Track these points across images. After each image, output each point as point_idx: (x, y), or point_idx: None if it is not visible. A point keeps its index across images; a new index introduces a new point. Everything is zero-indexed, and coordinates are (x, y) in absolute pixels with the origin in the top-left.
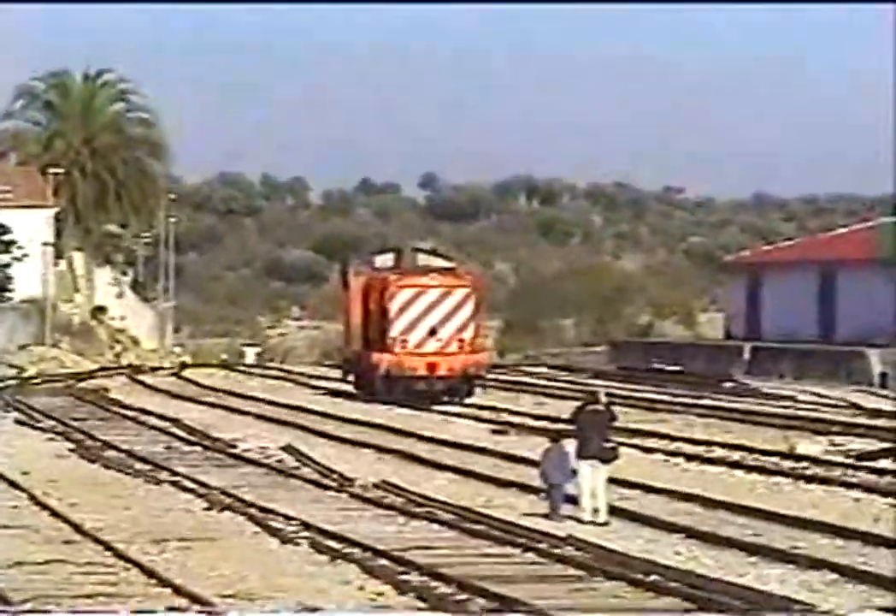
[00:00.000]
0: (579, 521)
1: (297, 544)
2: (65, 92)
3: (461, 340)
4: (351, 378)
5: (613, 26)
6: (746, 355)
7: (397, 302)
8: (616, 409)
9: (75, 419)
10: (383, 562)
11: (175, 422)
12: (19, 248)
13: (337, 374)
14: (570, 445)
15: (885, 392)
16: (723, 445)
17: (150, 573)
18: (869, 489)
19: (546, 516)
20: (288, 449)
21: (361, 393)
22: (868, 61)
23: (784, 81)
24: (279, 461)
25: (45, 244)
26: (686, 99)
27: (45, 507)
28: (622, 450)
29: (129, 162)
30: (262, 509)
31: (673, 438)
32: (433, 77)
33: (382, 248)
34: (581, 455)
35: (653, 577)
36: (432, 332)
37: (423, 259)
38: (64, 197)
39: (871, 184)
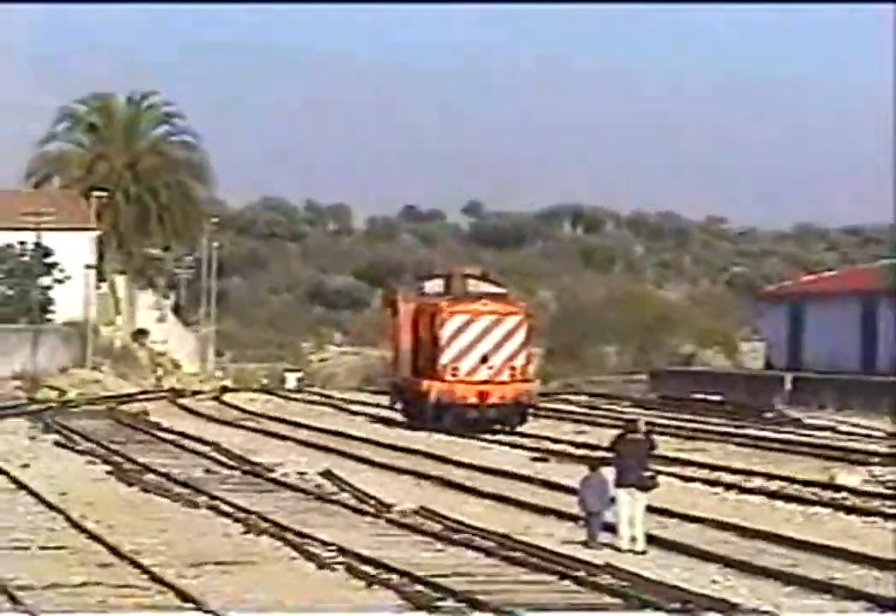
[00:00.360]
0: (617, 549)
1: (334, 569)
2: (108, 114)
3: (513, 368)
4: (399, 405)
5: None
6: (788, 385)
7: (448, 328)
8: (656, 437)
9: (114, 442)
10: (419, 588)
11: (215, 446)
12: (61, 270)
13: (377, 399)
14: (609, 473)
15: None
16: (762, 475)
17: (186, 596)
18: None
19: (584, 544)
20: (326, 474)
21: (410, 421)
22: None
23: (820, 108)
24: (317, 486)
25: (88, 267)
26: (731, 131)
27: (82, 529)
28: (661, 478)
29: (171, 185)
30: (300, 534)
31: (712, 467)
32: (481, 105)
33: (431, 273)
34: (620, 483)
35: (689, 606)
36: (484, 359)
37: (473, 285)
38: (107, 220)
39: None
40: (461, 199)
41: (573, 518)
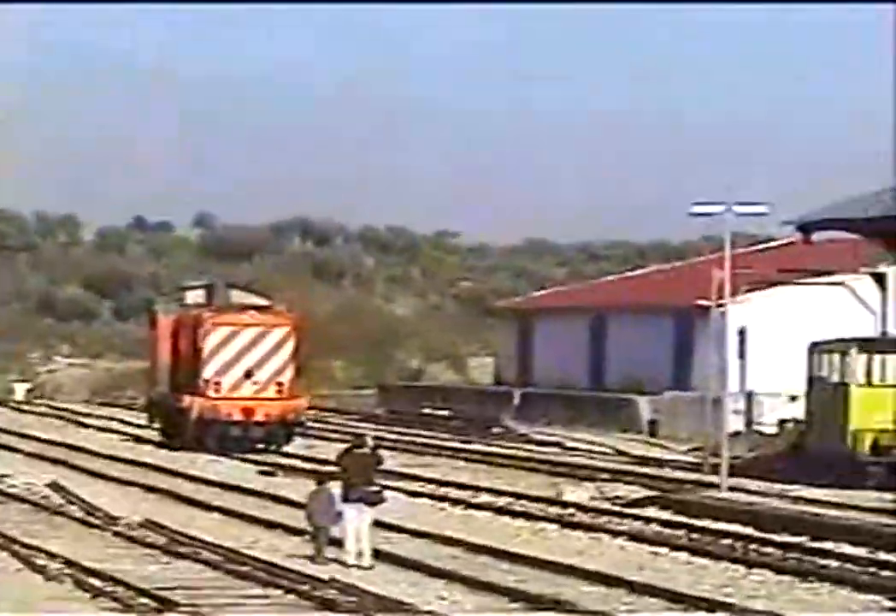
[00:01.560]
0: (344, 564)
1: (62, 581)
2: None
3: (279, 384)
4: (157, 424)
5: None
6: (516, 400)
7: (211, 341)
8: (383, 452)
9: None
10: (145, 600)
11: None
12: None
13: (106, 411)
14: (336, 488)
15: (653, 439)
16: (489, 490)
17: None
18: (635, 537)
19: (311, 558)
20: (54, 486)
21: (169, 440)
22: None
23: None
24: (45, 498)
25: None
26: (461, 144)
27: None
28: (388, 493)
29: None
30: (26, 546)
31: (440, 483)
32: (214, 116)
33: (191, 284)
34: (347, 498)
35: None
36: (249, 374)
37: (237, 295)
38: None
39: (644, 230)
40: (191, 212)
41: (300, 532)
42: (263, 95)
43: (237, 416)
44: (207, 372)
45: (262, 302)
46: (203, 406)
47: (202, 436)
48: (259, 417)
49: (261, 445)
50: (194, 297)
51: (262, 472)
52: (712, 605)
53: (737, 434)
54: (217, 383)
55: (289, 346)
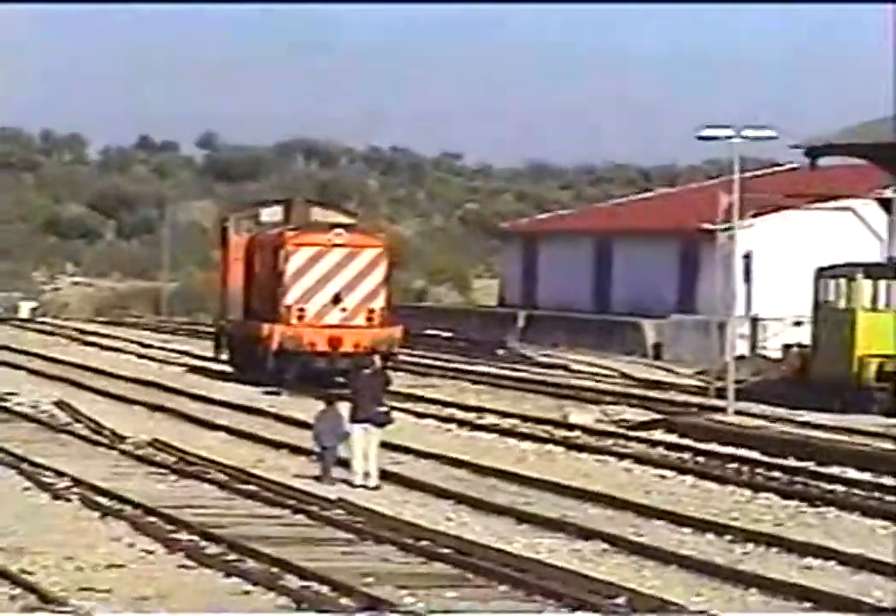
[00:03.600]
0: (351, 484)
1: (68, 500)
2: None
3: (370, 311)
4: (225, 355)
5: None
6: (520, 323)
7: (294, 263)
8: (389, 373)
9: None
10: (153, 519)
11: None
12: None
13: (112, 331)
14: (343, 409)
15: (658, 363)
16: (494, 412)
17: None
18: (640, 460)
19: (317, 479)
20: (60, 404)
21: (240, 373)
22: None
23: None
24: (51, 416)
25: None
26: (470, 69)
27: None
28: (395, 414)
29: None
30: (33, 464)
31: (445, 404)
32: (211, 36)
33: (268, 200)
34: (354, 419)
35: (423, 543)
36: (336, 300)
37: (318, 213)
38: None
39: (649, 154)
40: (196, 131)
41: (307, 452)
42: (278, 23)
43: (322, 347)
44: (290, 298)
45: (347, 220)
46: (284, 335)
47: (283, 367)
48: (347, 348)
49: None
50: (270, 214)
51: (268, 392)
52: (718, 528)
53: (741, 358)
54: (301, 310)
55: (381, 270)
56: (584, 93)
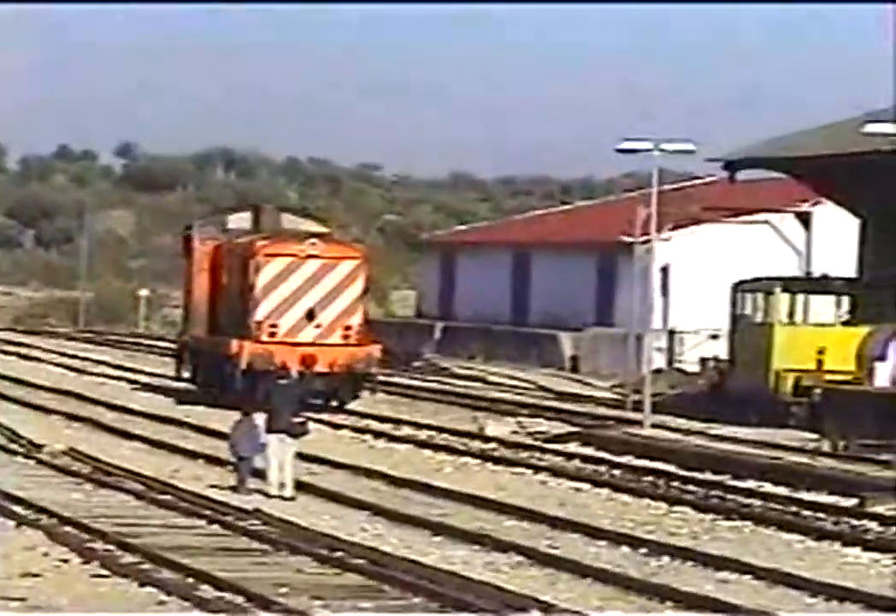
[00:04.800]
0: (266, 494)
1: None
2: None
3: (347, 328)
4: (188, 372)
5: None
6: (438, 334)
7: (265, 275)
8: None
9: None
10: (69, 529)
11: None
12: None
13: (31, 340)
14: (260, 419)
15: (575, 376)
16: (411, 424)
17: None
18: (556, 473)
19: (234, 489)
20: None
21: (203, 392)
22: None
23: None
24: None
25: None
26: (389, 77)
27: None
28: (311, 425)
29: None
30: None
31: (362, 415)
32: (132, 44)
33: (236, 206)
34: (270, 429)
35: (337, 554)
36: (310, 315)
37: (289, 220)
38: None
39: (567, 167)
40: (114, 141)
41: (223, 462)
42: (186, 25)
43: (295, 366)
44: (260, 312)
45: (320, 229)
46: (254, 353)
47: (252, 387)
48: (321, 367)
49: (320, 401)
50: (238, 221)
51: (183, 402)
52: (634, 541)
53: (658, 371)
54: (273, 326)
55: (359, 283)
56: (500, 103)
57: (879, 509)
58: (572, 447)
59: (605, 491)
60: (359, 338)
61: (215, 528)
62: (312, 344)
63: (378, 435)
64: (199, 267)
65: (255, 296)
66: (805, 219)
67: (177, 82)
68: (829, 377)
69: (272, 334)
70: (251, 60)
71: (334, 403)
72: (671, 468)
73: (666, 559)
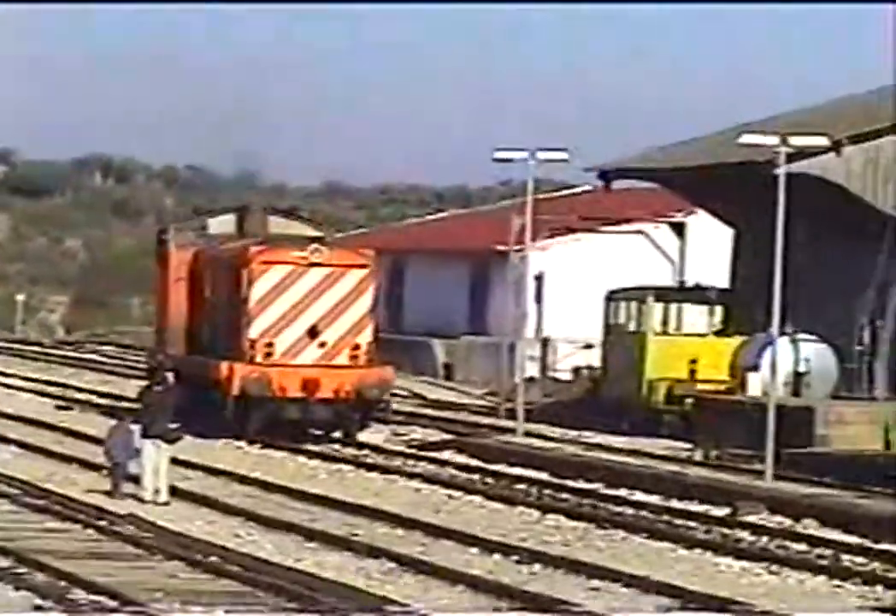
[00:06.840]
0: (141, 500)
1: None
2: None
3: (356, 347)
4: None
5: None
6: None
7: (261, 287)
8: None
9: None
10: None
11: None
12: None
13: None
14: (135, 424)
15: (449, 383)
16: None
17: None
18: (430, 480)
19: (108, 494)
20: None
21: (183, 418)
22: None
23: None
24: None
25: None
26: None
27: None
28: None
29: None
30: None
31: None
32: (16, 48)
33: (217, 208)
34: (145, 434)
35: (211, 559)
36: (313, 333)
37: (277, 223)
38: None
39: (441, 175)
40: None
41: (98, 467)
42: (65, 34)
43: (295, 392)
44: (254, 330)
45: (315, 233)
46: (248, 377)
47: (246, 416)
48: (326, 393)
49: (324, 432)
50: (221, 224)
51: (60, 407)
52: (506, 548)
53: (532, 380)
54: (268, 345)
55: (368, 295)
56: (374, 112)
57: (751, 519)
58: (446, 454)
59: (478, 498)
60: (369, 359)
61: (90, 532)
62: (315, 366)
63: (252, 441)
64: (176, 276)
65: (249, 311)
66: (679, 229)
67: (59, 87)
68: (701, 387)
69: (268, 355)
70: (123, 73)
71: (338, 434)
72: (544, 476)
73: (538, 567)
